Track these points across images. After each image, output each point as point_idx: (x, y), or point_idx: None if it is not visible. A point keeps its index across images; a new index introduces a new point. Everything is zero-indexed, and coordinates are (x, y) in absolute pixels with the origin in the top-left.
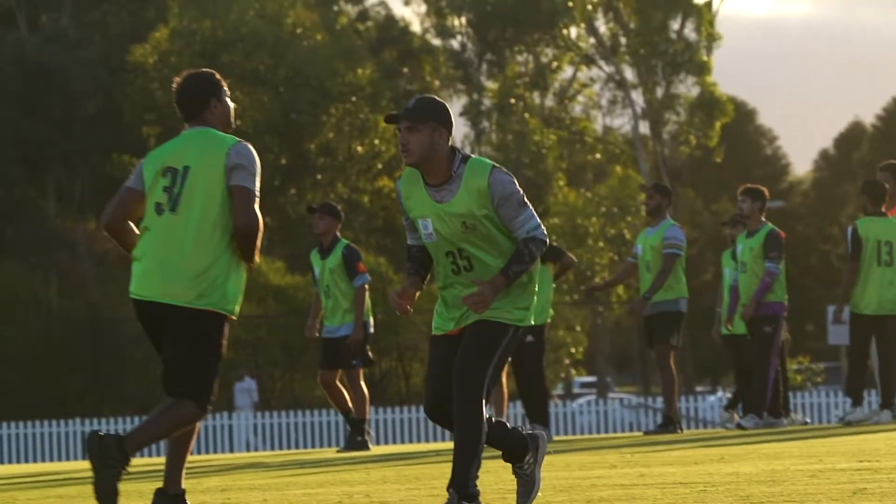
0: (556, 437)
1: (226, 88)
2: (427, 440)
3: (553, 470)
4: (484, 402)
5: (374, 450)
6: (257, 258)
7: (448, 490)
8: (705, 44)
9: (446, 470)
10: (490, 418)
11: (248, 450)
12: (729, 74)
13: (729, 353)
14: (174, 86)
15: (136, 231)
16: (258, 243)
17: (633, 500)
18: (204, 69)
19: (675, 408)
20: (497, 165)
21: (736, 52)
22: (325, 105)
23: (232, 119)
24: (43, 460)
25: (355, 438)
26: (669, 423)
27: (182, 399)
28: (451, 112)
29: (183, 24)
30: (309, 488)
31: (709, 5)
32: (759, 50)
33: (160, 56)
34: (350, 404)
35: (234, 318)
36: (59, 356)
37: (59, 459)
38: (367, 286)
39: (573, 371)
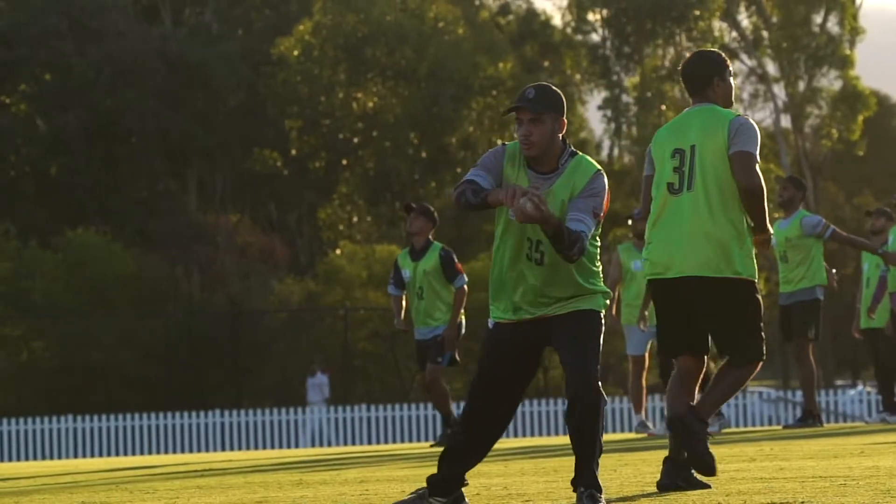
0: None
1: (730, 69)
2: (565, 433)
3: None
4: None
5: (513, 442)
6: (768, 225)
7: (578, 489)
8: (848, 37)
9: None
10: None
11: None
12: (872, 68)
13: (868, 347)
14: (681, 63)
15: None
16: (764, 205)
17: (773, 493)
18: (710, 49)
19: (814, 401)
20: (602, 171)
21: (879, 46)
22: (466, 99)
23: (732, 97)
24: (183, 451)
25: (445, 433)
26: (809, 416)
27: (738, 364)
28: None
29: (326, 18)
30: None
31: None
32: None
33: (303, 50)
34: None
35: (755, 280)
36: (200, 349)
37: (199, 450)
38: (466, 287)
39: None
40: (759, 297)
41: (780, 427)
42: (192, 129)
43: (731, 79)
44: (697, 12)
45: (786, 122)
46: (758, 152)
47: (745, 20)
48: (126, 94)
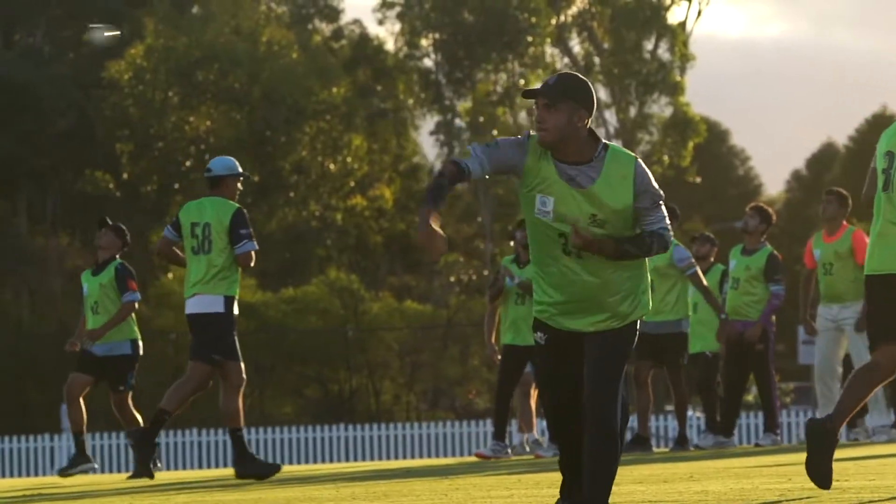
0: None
1: None
2: (396, 458)
3: (519, 487)
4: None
5: (346, 467)
6: None
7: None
8: (679, 64)
9: (415, 487)
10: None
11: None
12: (702, 95)
13: (692, 370)
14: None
15: None
16: None
17: None
18: None
19: (647, 426)
20: (637, 158)
21: (709, 73)
22: (299, 123)
23: None
24: (11, 475)
25: (80, 456)
26: (641, 441)
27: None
28: (593, 93)
29: (158, 41)
30: None
31: (683, 26)
32: (732, 71)
33: (135, 73)
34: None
35: None
36: (28, 372)
37: (26, 475)
38: (136, 305)
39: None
40: None
41: None
42: (22, 151)
43: None
44: (529, 38)
45: None
46: None
47: (576, 46)
48: None
